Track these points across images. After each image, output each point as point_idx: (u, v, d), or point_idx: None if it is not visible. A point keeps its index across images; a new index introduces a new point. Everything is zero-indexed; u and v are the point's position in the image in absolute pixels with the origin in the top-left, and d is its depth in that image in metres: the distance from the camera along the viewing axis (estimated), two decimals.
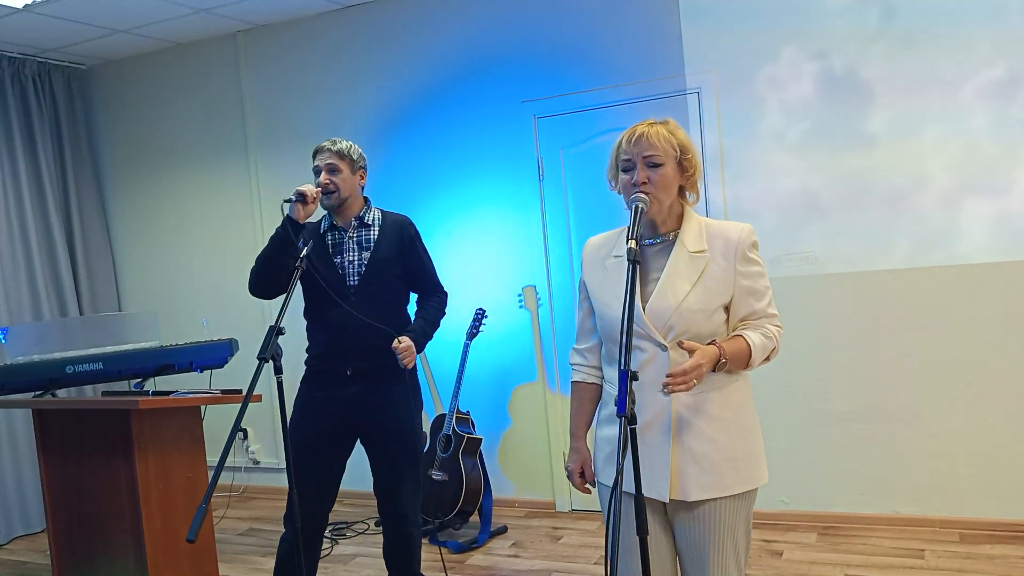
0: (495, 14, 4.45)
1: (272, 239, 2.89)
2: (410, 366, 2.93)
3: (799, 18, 3.84)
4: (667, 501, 1.99)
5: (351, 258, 2.99)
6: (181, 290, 5.43)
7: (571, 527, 4.31)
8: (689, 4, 4.02)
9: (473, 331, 4.34)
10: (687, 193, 2.06)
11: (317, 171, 2.97)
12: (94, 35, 4.91)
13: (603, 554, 3.87)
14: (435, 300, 3.18)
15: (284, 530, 3.03)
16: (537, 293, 4.48)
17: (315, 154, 3.01)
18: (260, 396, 2.75)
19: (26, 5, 4.26)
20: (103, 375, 3.76)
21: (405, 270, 3.08)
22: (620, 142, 2.02)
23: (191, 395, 3.12)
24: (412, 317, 3.14)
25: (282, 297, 2.65)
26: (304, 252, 2.72)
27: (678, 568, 2.10)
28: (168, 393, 3.34)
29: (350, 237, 3.01)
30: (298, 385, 3.03)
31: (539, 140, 4.41)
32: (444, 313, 3.21)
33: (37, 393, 3.69)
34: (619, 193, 2.06)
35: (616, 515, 1.63)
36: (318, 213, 2.95)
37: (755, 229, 2.06)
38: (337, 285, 2.93)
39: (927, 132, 3.70)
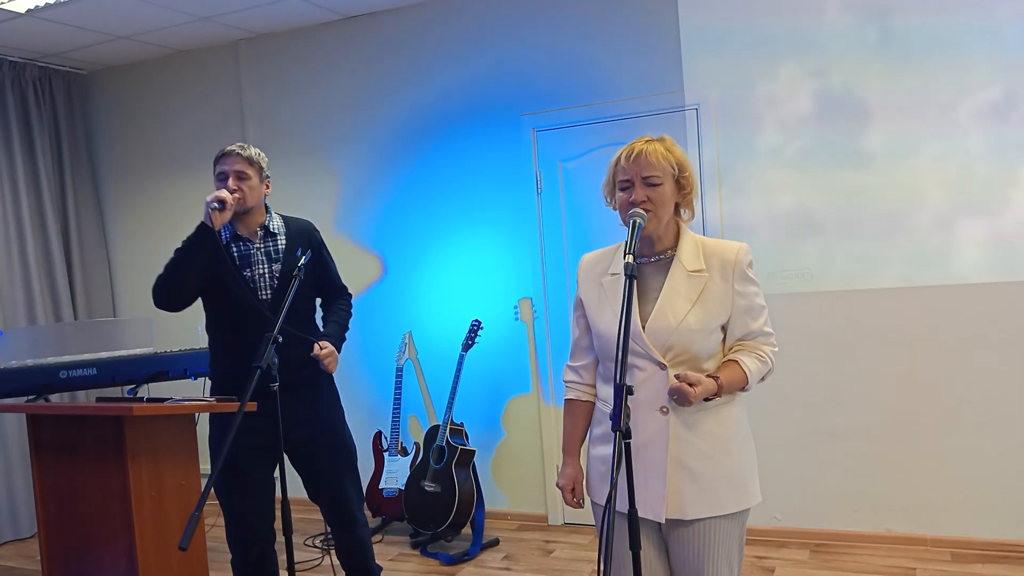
0: (496, 27, 4.47)
1: (183, 248, 2.76)
2: (334, 369, 2.87)
3: (798, 37, 3.87)
4: (663, 522, 1.99)
5: (261, 271, 2.87)
6: None
7: (563, 540, 4.30)
8: (689, 21, 4.05)
9: (468, 342, 4.34)
10: (682, 211, 2.07)
11: (223, 176, 2.81)
12: (95, 41, 4.93)
13: (595, 568, 3.86)
14: (342, 303, 3.13)
15: (231, 553, 3.01)
16: (533, 305, 4.49)
17: (220, 158, 2.85)
18: (255, 404, 2.74)
19: (28, 10, 4.28)
20: (97, 381, 3.75)
21: (315, 277, 2.99)
22: (618, 159, 2.03)
23: (185, 402, 3.11)
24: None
25: (279, 306, 2.64)
26: (302, 261, 2.71)
27: None
28: (162, 400, 3.33)
29: (257, 248, 2.88)
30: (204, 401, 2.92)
31: (538, 153, 4.42)
32: (351, 314, 3.15)
33: (30, 398, 3.68)
34: (614, 209, 2.07)
35: (609, 529, 1.63)
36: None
37: (751, 245, 2.07)
38: (249, 299, 2.81)
39: (923, 152, 3.72)
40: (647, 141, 2.01)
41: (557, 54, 4.35)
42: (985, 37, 3.58)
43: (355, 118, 4.86)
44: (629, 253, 1.87)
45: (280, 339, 2.44)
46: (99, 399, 3.48)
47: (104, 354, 3.85)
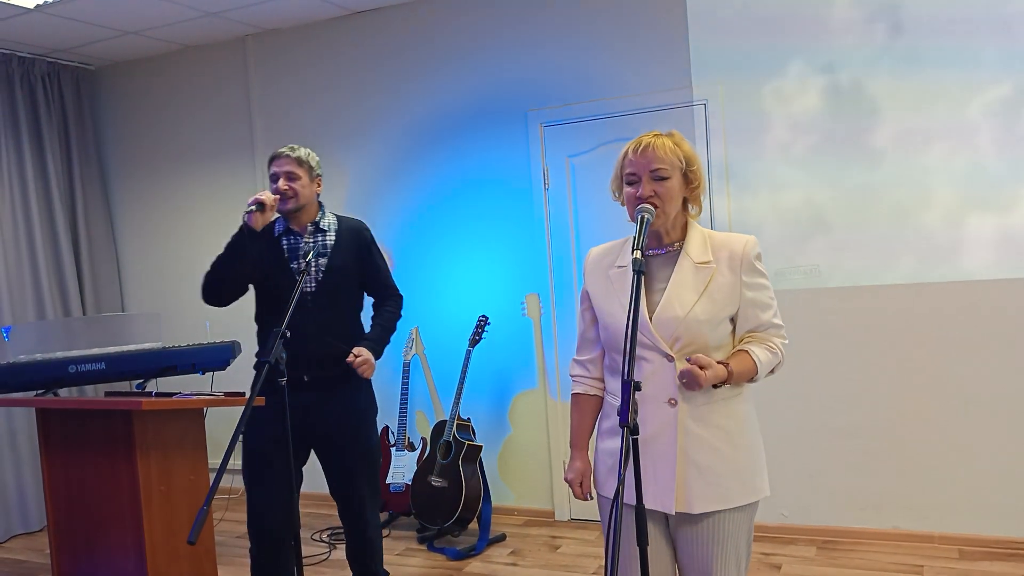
0: (503, 23, 4.47)
1: (228, 246, 2.88)
2: (369, 375, 2.93)
3: (806, 32, 3.86)
4: (673, 513, 1.99)
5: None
6: (184, 292, 5.43)
7: (570, 536, 4.30)
8: (697, 16, 4.03)
9: (475, 338, 4.35)
10: (690, 206, 2.06)
11: (275, 177, 2.96)
12: (103, 36, 4.94)
13: (602, 564, 3.86)
14: (391, 304, 3.19)
15: (250, 541, 3.03)
16: (540, 301, 4.48)
17: (272, 160, 2.99)
18: (263, 399, 2.75)
19: (37, 5, 4.29)
20: (106, 375, 3.76)
21: (362, 275, 3.08)
22: (626, 153, 2.02)
23: (193, 397, 3.12)
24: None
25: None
26: (309, 257, 2.72)
27: None
28: (170, 394, 3.34)
29: (306, 242, 2.99)
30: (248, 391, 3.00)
31: (545, 148, 4.42)
32: (400, 316, 3.22)
33: (39, 392, 3.69)
34: (622, 204, 2.06)
35: (616, 524, 1.63)
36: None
37: (759, 241, 2.07)
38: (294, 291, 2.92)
39: (933, 148, 3.70)
40: (655, 135, 2.01)
41: (564, 49, 4.34)
42: (995, 32, 3.56)
43: (362, 113, 4.86)
44: (637, 249, 1.86)
45: (288, 334, 2.44)
46: (108, 393, 3.49)
47: (113, 349, 3.86)
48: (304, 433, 2.97)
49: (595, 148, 4.30)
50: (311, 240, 2.99)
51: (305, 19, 4.88)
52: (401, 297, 3.25)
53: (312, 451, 3.12)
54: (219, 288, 2.94)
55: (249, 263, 2.88)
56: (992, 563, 3.58)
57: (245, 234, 2.82)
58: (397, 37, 4.73)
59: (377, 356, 2.99)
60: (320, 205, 3.07)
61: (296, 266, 2.96)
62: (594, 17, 4.26)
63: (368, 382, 3.08)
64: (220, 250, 2.97)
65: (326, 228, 3.03)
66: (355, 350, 2.90)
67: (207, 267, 3.02)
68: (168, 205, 5.48)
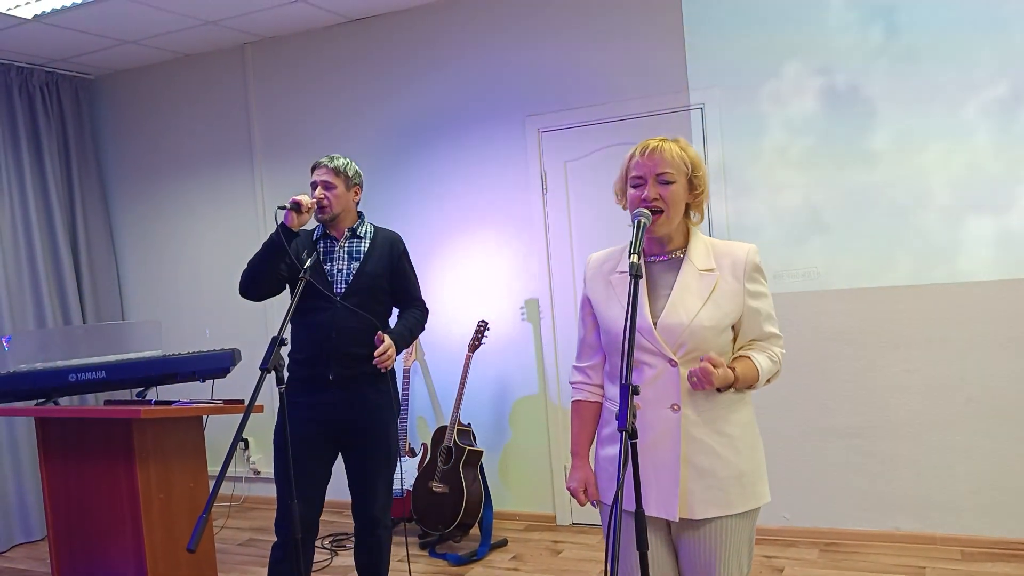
0: (501, 28, 4.48)
1: (265, 244, 2.97)
2: (389, 365, 2.97)
3: (802, 34, 3.86)
4: (676, 520, 1.99)
5: (340, 266, 3.06)
6: (184, 300, 5.44)
7: (571, 541, 4.30)
8: (693, 19, 4.04)
9: (475, 343, 4.35)
10: (691, 213, 2.06)
11: (314, 186, 3.05)
12: (102, 46, 4.95)
13: (603, 569, 3.86)
14: (416, 312, 3.25)
15: (276, 537, 3.04)
16: (539, 306, 4.49)
17: (313, 169, 3.09)
18: (262, 407, 2.75)
19: (35, 16, 4.30)
20: (106, 384, 3.77)
21: (391, 284, 3.15)
22: (632, 155, 2.02)
23: (193, 404, 3.13)
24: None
25: (284, 308, 2.66)
26: (308, 264, 2.73)
27: None
28: (170, 402, 3.34)
29: (341, 247, 3.08)
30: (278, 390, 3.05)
31: (543, 154, 4.42)
32: (424, 328, 3.28)
33: (40, 401, 3.70)
34: (625, 208, 2.06)
35: (616, 529, 1.63)
36: (312, 222, 3.05)
37: (757, 245, 2.07)
38: (323, 291, 3.00)
39: (930, 149, 3.71)
40: (662, 140, 2.01)
41: (561, 55, 4.35)
42: (992, 32, 3.57)
43: (361, 120, 4.87)
44: (634, 253, 1.86)
45: (286, 341, 2.44)
46: (108, 402, 3.50)
47: (113, 357, 3.86)
48: (329, 431, 3.03)
49: (593, 153, 4.31)
50: (345, 244, 3.08)
51: (303, 27, 4.89)
52: (427, 311, 3.30)
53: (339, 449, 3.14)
54: (254, 286, 3.02)
55: (284, 263, 2.97)
56: (995, 564, 3.57)
57: (282, 233, 2.91)
58: (395, 44, 4.74)
59: (398, 350, 3.04)
60: (360, 214, 3.16)
61: (328, 268, 3.05)
62: (591, 23, 4.27)
63: (393, 383, 3.14)
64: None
65: (362, 235, 3.12)
66: (380, 333, 2.94)
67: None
68: (167, 213, 5.49)
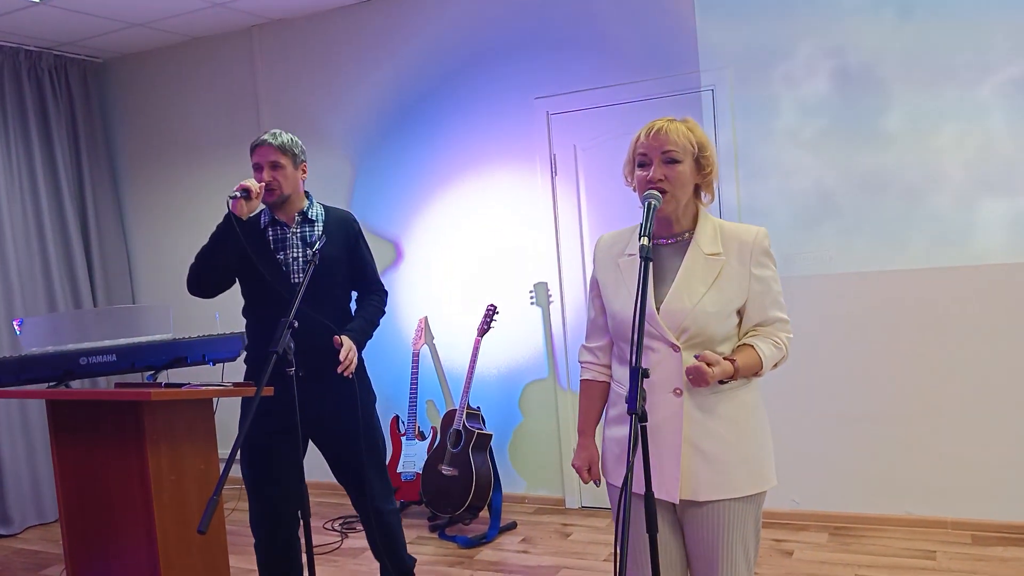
0: (509, 10, 4.44)
1: (213, 236, 2.83)
2: (352, 370, 2.85)
3: (815, 15, 3.82)
4: (676, 502, 1.98)
5: (295, 254, 2.91)
6: None
7: (580, 523, 4.31)
8: (704, 1, 4.00)
9: (484, 327, 4.34)
10: (702, 193, 2.05)
11: (258, 167, 2.87)
12: (110, 28, 4.94)
13: (612, 551, 3.86)
14: (375, 298, 3.11)
15: (254, 537, 3.04)
16: (548, 289, 4.47)
17: (254, 148, 2.89)
18: (272, 389, 2.75)
19: None
20: (116, 367, 3.77)
21: (349, 267, 3.01)
22: (639, 136, 2.01)
23: (203, 387, 3.13)
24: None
25: (295, 293, 2.64)
26: (317, 246, 2.71)
27: (687, 567, 2.09)
28: (180, 385, 3.35)
29: (293, 232, 2.92)
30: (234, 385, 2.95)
31: (552, 136, 4.40)
32: (384, 312, 3.14)
33: (51, 384, 3.71)
34: (634, 190, 2.05)
35: (626, 512, 1.63)
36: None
37: (769, 228, 2.06)
38: (281, 282, 2.86)
39: (943, 130, 3.67)
40: (669, 120, 2.00)
41: (571, 36, 4.32)
42: (1006, 13, 3.52)
43: (369, 103, 4.85)
44: (644, 235, 1.85)
45: (296, 324, 2.43)
46: (119, 385, 3.51)
47: (123, 340, 3.87)
48: (301, 426, 2.92)
49: (603, 135, 4.28)
50: (297, 230, 2.92)
51: (311, 9, 4.86)
52: (386, 293, 3.17)
53: (310, 441, 3.09)
54: (204, 279, 2.90)
55: (234, 254, 2.81)
56: (1006, 548, 3.56)
57: (232, 222, 2.75)
58: (404, 26, 4.71)
59: (360, 348, 2.92)
60: (307, 195, 2.99)
61: (282, 257, 2.89)
62: (601, 2, 4.23)
63: (362, 367, 3.03)
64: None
65: (314, 218, 2.96)
66: (338, 337, 2.82)
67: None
68: (177, 196, 5.49)
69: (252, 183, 2.78)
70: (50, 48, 5.19)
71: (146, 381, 3.95)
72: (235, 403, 4.22)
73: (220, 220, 2.90)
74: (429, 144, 4.72)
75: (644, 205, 1.93)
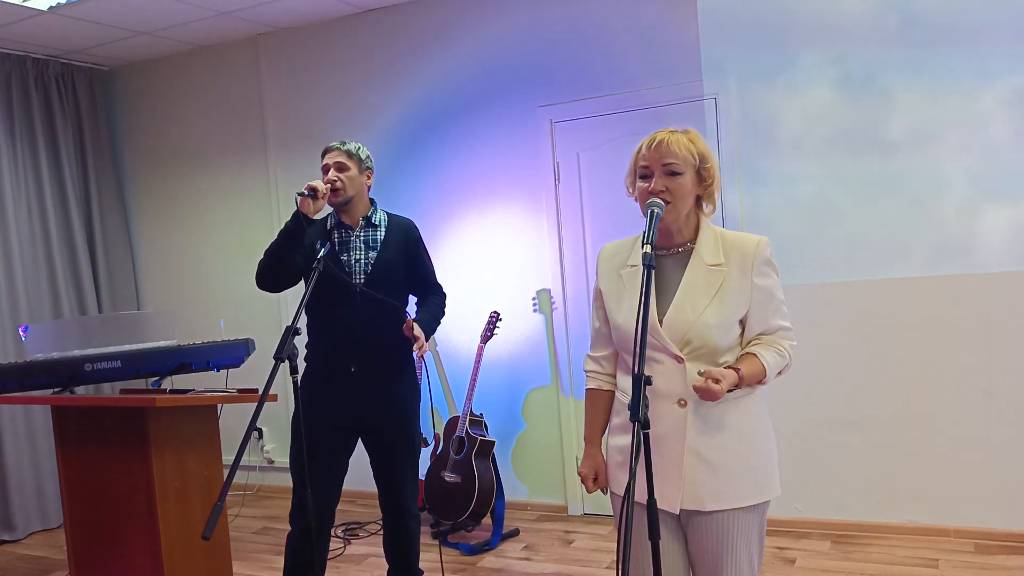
0: (513, 19, 4.46)
1: (282, 233, 2.92)
2: (423, 351, 2.95)
3: (817, 24, 3.83)
4: (678, 513, 1.99)
5: (358, 256, 3.02)
6: (199, 290, 5.47)
7: (583, 531, 4.30)
8: (707, 9, 4.02)
9: (487, 334, 4.35)
10: (704, 204, 2.06)
11: (325, 169, 3.00)
12: (116, 37, 4.97)
13: (614, 559, 3.86)
14: (436, 298, 3.22)
15: (291, 527, 3.06)
16: (552, 297, 4.49)
17: (324, 153, 3.05)
18: (276, 396, 2.76)
19: (50, 7, 4.32)
20: (121, 373, 3.79)
21: (409, 271, 3.12)
22: (640, 148, 2.01)
23: (207, 393, 3.15)
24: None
25: (299, 297, 2.66)
26: (321, 254, 2.73)
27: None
28: (185, 391, 3.36)
29: (357, 236, 3.03)
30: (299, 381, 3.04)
31: (555, 144, 4.41)
32: (444, 313, 3.24)
33: (56, 390, 3.73)
34: (636, 200, 2.06)
35: (628, 519, 1.63)
36: (325, 210, 2.99)
37: (772, 236, 2.06)
38: (343, 282, 2.96)
39: (946, 139, 3.68)
40: (670, 131, 2.00)
41: (574, 45, 4.34)
42: (1009, 22, 3.53)
43: (373, 111, 4.87)
44: (647, 243, 1.86)
45: (300, 330, 2.45)
46: (123, 391, 3.52)
47: (128, 347, 3.89)
48: (351, 423, 3.02)
49: (606, 143, 4.29)
50: (361, 234, 3.03)
51: (317, 18, 4.89)
52: (446, 295, 3.27)
53: (360, 441, 3.15)
54: (272, 276, 2.99)
55: (299, 252, 2.92)
56: (1008, 557, 3.55)
57: (300, 220, 2.86)
58: (408, 35, 4.74)
59: (427, 337, 3.02)
60: (372, 201, 3.11)
61: (345, 259, 3.00)
62: (604, 12, 4.25)
63: (413, 373, 3.13)
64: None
65: (377, 223, 3.08)
66: (409, 319, 2.92)
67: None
68: (182, 203, 5.52)
69: (320, 183, 2.90)
70: (57, 56, 5.22)
71: (151, 387, 3.97)
72: (239, 409, 4.23)
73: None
74: (434, 152, 4.74)
75: (647, 213, 1.94)
